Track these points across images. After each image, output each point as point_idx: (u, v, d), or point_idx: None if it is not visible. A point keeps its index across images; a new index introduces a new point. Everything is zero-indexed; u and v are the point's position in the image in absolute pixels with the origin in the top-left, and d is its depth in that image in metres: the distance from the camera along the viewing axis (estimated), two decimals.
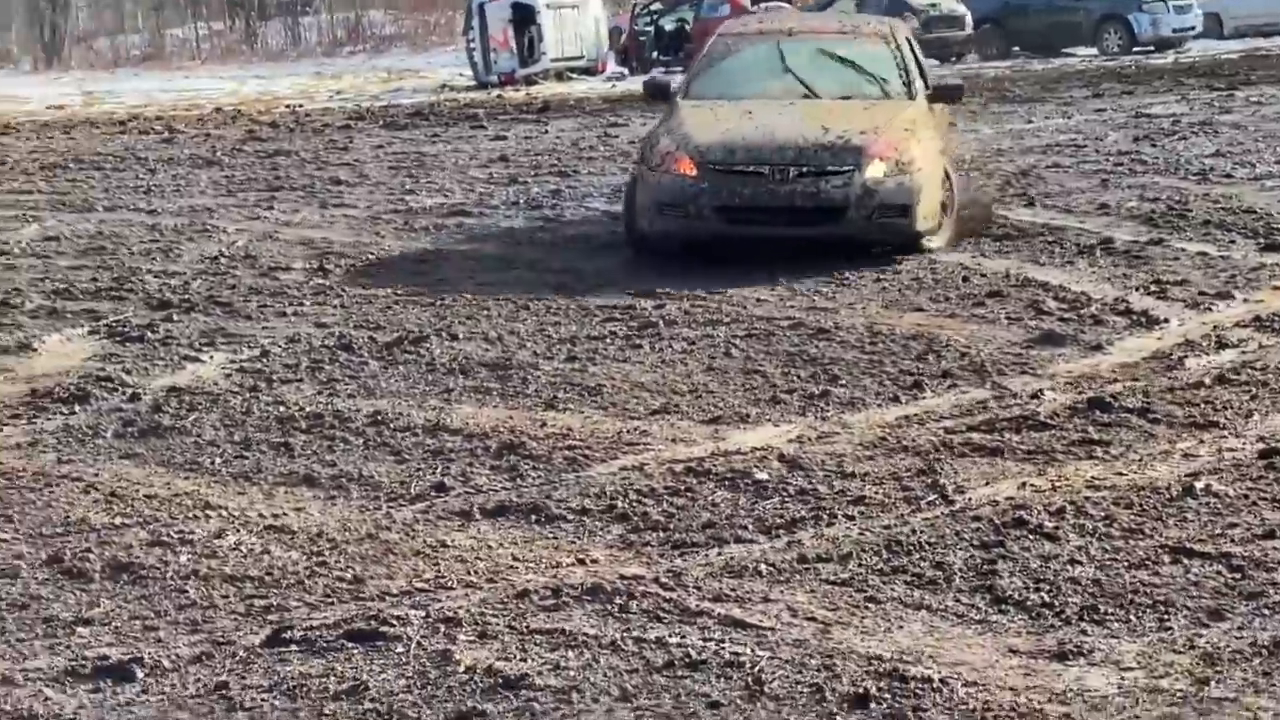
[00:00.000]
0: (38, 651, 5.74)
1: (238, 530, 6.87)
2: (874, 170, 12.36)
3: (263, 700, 5.28)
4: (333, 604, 6.09)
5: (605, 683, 5.31)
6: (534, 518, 6.99)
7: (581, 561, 6.46)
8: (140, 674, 5.49)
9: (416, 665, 5.49)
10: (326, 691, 5.32)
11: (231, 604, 6.12)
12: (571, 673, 5.39)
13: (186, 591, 6.24)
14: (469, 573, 6.36)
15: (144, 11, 60.89)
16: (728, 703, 5.12)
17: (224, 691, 5.36)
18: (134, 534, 6.87)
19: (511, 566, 6.43)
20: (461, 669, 5.43)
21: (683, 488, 7.29)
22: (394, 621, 5.83)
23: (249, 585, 6.29)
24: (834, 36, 14.61)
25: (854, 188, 12.31)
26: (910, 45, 14.46)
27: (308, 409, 8.69)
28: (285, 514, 7.08)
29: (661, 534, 6.76)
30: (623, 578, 6.20)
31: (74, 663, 5.61)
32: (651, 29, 42.84)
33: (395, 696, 5.27)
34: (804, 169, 12.38)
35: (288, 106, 31.44)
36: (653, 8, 44.02)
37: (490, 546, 6.67)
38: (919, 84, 13.80)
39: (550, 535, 6.81)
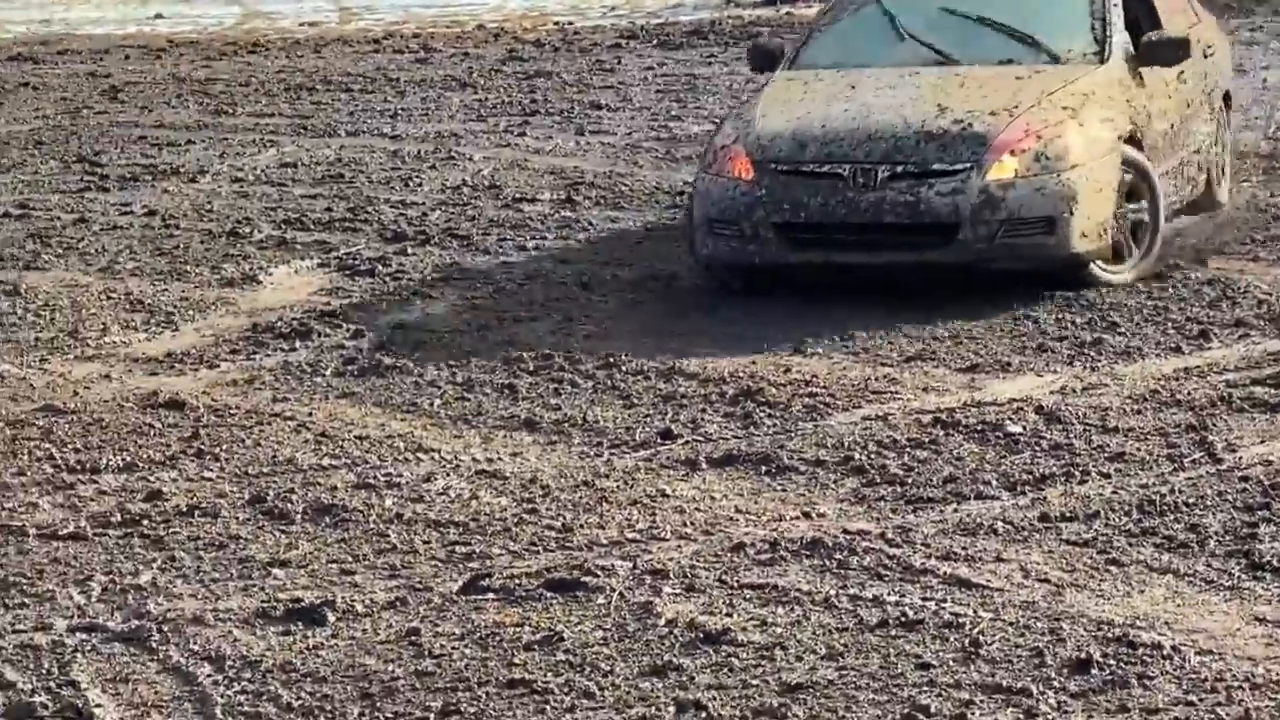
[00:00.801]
0: (231, 592, 6.18)
1: (448, 474, 7.26)
2: (1001, 168, 9.67)
3: (452, 648, 5.63)
4: (537, 553, 6.45)
5: (812, 641, 5.56)
6: (763, 469, 7.27)
7: (806, 515, 6.72)
8: (331, 618, 5.90)
9: (616, 618, 5.81)
10: (519, 641, 5.66)
11: (432, 549, 6.51)
12: (778, 629, 5.66)
13: (388, 536, 6.64)
14: (685, 524, 6.66)
15: None
16: (939, 664, 5.34)
17: (414, 638, 5.73)
18: (340, 476, 7.31)
19: (731, 519, 6.72)
20: (662, 622, 5.73)
21: (927, 439, 7.50)
22: (598, 572, 6.16)
23: (453, 531, 6.68)
24: None
25: (969, 194, 9.61)
26: None
27: (538, 350, 9.05)
28: (500, 459, 7.46)
29: (897, 488, 6.99)
30: (846, 533, 6.45)
31: (266, 604, 6.05)
32: None
33: (590, 649, 5.58)
34: (898, 168, 9.71)
35: (555, 24, 31.91)
36: None
37: (713, 498, 6.96)
38: (1118, 39, 10.67)
39: (778, 487, 7.08)
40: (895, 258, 9.78)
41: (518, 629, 5.75)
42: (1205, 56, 11.72)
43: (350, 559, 6.44)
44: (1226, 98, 12.42)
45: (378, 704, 5.28)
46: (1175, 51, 10.76)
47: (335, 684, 5.42)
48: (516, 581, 6.14)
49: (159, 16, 31.84)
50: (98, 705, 5.32)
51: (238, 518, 6.89)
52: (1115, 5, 10.78)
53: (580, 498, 6.97)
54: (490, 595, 6.05)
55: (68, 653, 5.71)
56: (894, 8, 11.18)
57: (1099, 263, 9.87)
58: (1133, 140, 10.23)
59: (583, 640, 5.65)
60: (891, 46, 10.95)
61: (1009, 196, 9.63)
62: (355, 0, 43.75)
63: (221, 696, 5.36)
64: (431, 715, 5.18)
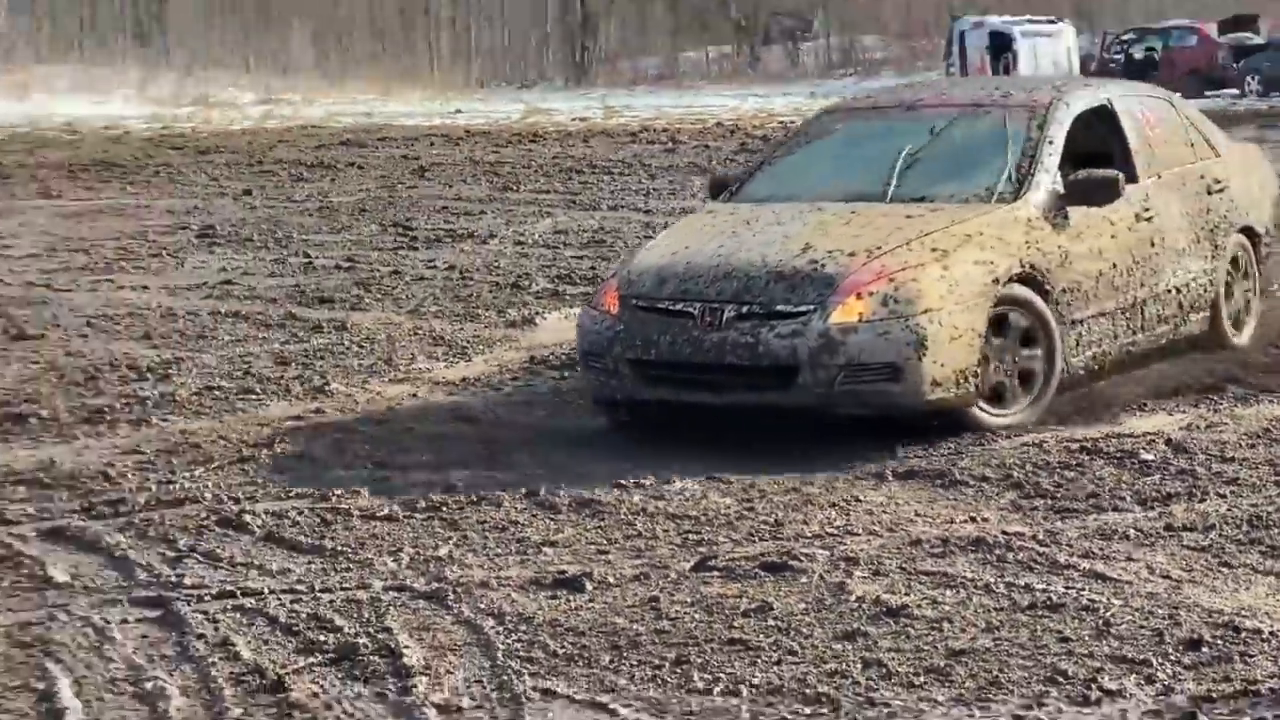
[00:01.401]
0: (511, 564, 6.40)
1: (683, 478, 7.42)
2: (846, 310, 7.77)
3: (685, 613, 5.79)
4: (754, 541, 6.60)
5: (974, 617, 5.65)
6: (938, 482, 7.35)
7: (972, 519, 6.79)
8: (589, 586, 6.08)
9: (816, 593, 5.93)
10: (738, 608, 5.81)
11: (670, 537, 6.68)
12: (946, 607, 5.75)
13: (634, 525, 6.82)
14: (874, 523, 6.78)
15: (662, 36, 62.66)
16: (1076, 639, 5.41)
17: (654, 604, 5.90)
18: (599, 476, 7.49)
19: (911, 520, 6.81)
20: (853, 598, 5.85)
21: (1074, 463, 7.52)
22: (802, 558, 6.29)
23: (686, 523, 6.84)
24: (965, 110, 9.28)
25: (808, 337, 7.75)
26: (1099, 119, 9.33)
27: None
28: (725, 467, 7.58)
29: (1048, 500, 7.03)
30: (1004, 534, 6.52)
31: (538, 574, 6.24)
32: (1121, 56, 42.18)
33: (794, 616, 5.72)
34: (744, 308, 7.93)
35: (780, 122, 32.17)
36: (1124, 36, 43.34)
37: (897, 503, 7.05)
38: (1040, 179, 8.59)
39: (950, 497, 7.15)
40: (738, 399, 7.97)
41: (737, 600, 5.89)
42: (1210, 192, 9.66)
43: (605, 541, 6.63)
44: (1250, 233, 10.04)
45: (624, 654, 5.44)
46: (1103, 191, 8.67)
47: (591, 638, 5.59)
48: (737, 563, 6.29)
49: (458, 111, 32.47)
50: (406, 647, 5.51)
51: (516, 507, 7.11)
52: (1050, 143, 8.75)
53: (790, 500, 7.10)
54: (715, 573, 6.20)
55: (383, 606, 5.93)
56: (841, 142, 9.50)
57: (981, 404, 8.02)
58: (1030, 282, 8.25)
59: (788, 610, 5.78)
60: (823, 181, 9.05)
61: (849, 341, 7.73)
62: (617, 100, 44.39)
63: (502, 644, 5.53)
64: (666, 664, 5.33)
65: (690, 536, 6.67)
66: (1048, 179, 8.63)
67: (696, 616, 5.75)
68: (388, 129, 27.97)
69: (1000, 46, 38.48)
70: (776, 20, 60.77)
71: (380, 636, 5.63)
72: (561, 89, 55.87)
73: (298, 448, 8.20)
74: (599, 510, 7.01)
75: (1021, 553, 6.29)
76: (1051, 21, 40.94)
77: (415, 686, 5.18)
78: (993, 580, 6.00)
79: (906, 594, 5.88)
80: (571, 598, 5.99)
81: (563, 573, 6.22)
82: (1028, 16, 41.21)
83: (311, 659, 5.48)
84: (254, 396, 9.31)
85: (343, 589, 6.13)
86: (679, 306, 8.05)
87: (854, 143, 9.44)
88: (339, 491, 7.41)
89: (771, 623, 5.66)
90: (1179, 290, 9.25)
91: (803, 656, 5.36)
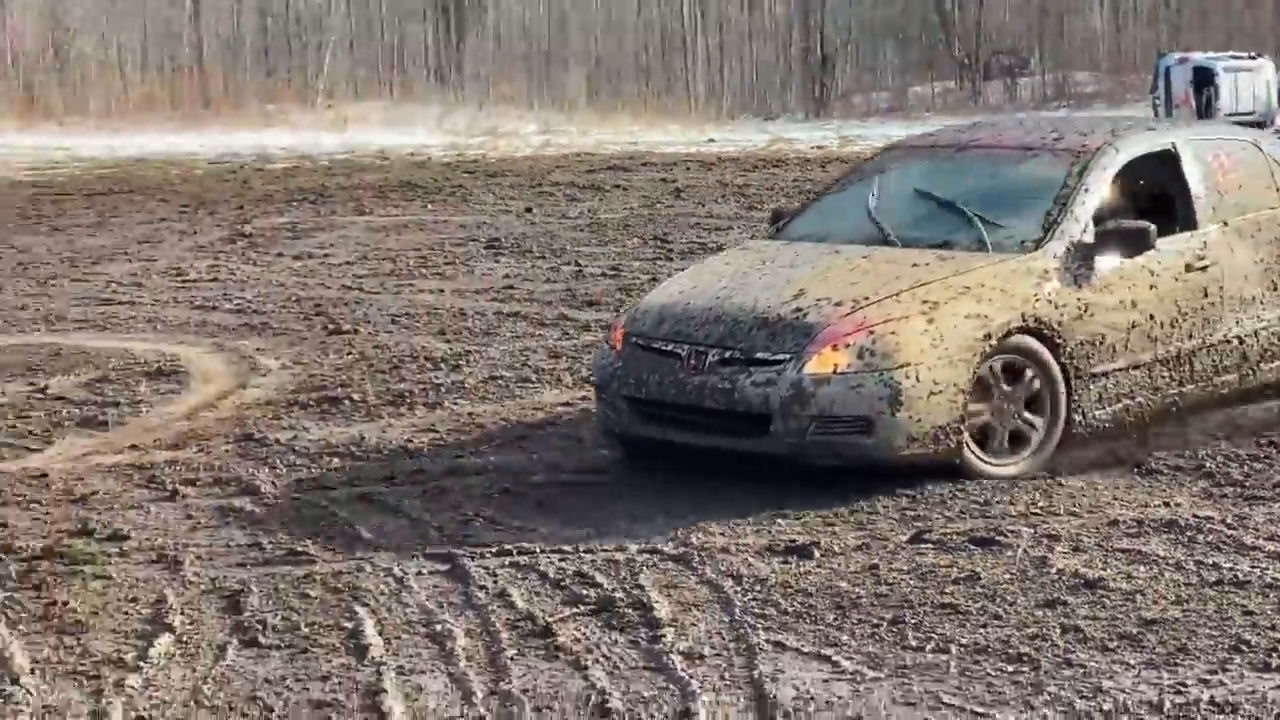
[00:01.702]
0: (748, 533, 6.42)
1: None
2: (821, 361, 6.85)
3: (902, 579, 5.77)
4: (965, 519, 6.53)
5: (1165, 590, 5.53)
6: (1135, 471, 7.18)
7: (1166, 504, 6.64)
8: (817, 554, 6.09)
9: (1020, 565, 5.86)
10: (949, 577, 5.77)
11: (890, 513, 6.65)
12: (1140, 581, 5.63)
13: (858, 502, 6.78)
14: (1074, 505, 6.66)
15: (892, 74, 62.11)
16: (1259, 612, 5.27)
17: (874, 571, 5.88)
18: None
19: (1109, 503, 6.68)
20: (1054, 570, 5.76)
21: (1263, 455, 7.32)
22: (1009, 534, 6.22)
23: (904, 501, 6.80)
24: (1013, 153, 8.12)
25: (780, 386, 6.87)
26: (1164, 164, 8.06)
27: None
28: None
29: (1238, 489, 6.84)
30: (1196, 517, 6.36)
31: (772, 542, 6.27)
32: None
33: (1000, 585, 5.66)
34: (727, 353, 7.05)
35: None
36: None
37: (1096, 488, 6.92)
38: (1067, 228, 7.43)
39: (1145, 484, 7.00)
40: (717, 442, 7.11)
41: (948, 569, 5.85)
42: None
43: (832, 516, 6.61)
44: None
45: (846, 613, 5.44)
46: (1133, 242, 7.47)
47: (817, 598, 5.60)
48: (949, 537, 6.24)
49: (711, 140, 32.54)
50: (656, 601, 5.59)
51: (750, 481, 7.11)
52: (1086, 190, 7.57)
53: (1001, 484, 7.00)
54: (929, 545, 6.16)
55: (637, 566, 6.02)
56: (888, 181, 8.34)
57: (978, 454, 7.03)
58: (1037, 335, 7.15)
59: (994, 579, 5.72)
60: (856, 222, 7.97)
61: (820, 392, 6.81)
62: (851, 130, 44.05)
63: (739, 602, 5.58)
64: (884, 624, 5.32)
65: (908, 513, 6.63)
66: (1076, 228, 7.43)
67: (911, 583, 5.72)
68: (649, 156, 28.19)
69: (1203, 81, 37.25)
70: (996, 58, 59.77)
71: (634, 592, 5.71)
72: (802, 120, 55.69)
73: (568, 430, 8.32)
74: (826, 487, 6.96)
75: (1211, 534, 6.14)
76: (1252, 57, 39.56)
77: (664, 636, 5.25)
78: (1183, 558, 5.86)
79: (1103, 568, 5.78)
80: (801, 563, 6.00)
81: (793, 541, 6.23)
82: (1230, 53, 39.89)
83: (575, 610, 5.58)
84: (531, 385, 9.47)
85: (602, 551, 6.21)
86: (670, 347, 7.20)
87: (899, 183, 8.30)
88: (603, 467, 7.51)
89: (979, 590, 5.61)
90: (1242, 340, 7.97)
91: (1007, 621, 5.30)
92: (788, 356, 6.90)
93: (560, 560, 6.11)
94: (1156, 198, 8.14)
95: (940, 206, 7.86)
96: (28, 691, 4.92)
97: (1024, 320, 7.12)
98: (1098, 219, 7.54)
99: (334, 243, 16.98)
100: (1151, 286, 7.60)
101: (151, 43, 52.91)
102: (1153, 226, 7.52)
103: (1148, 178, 8.15)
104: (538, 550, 6.23)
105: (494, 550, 6.26)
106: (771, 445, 6.92)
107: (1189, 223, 7.91)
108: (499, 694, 4.83)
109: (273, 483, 7.44)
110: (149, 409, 9.16)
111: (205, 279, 14.49)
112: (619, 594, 5.69)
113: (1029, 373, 7.16)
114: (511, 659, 5.11)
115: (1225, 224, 8.04)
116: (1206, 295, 7.84)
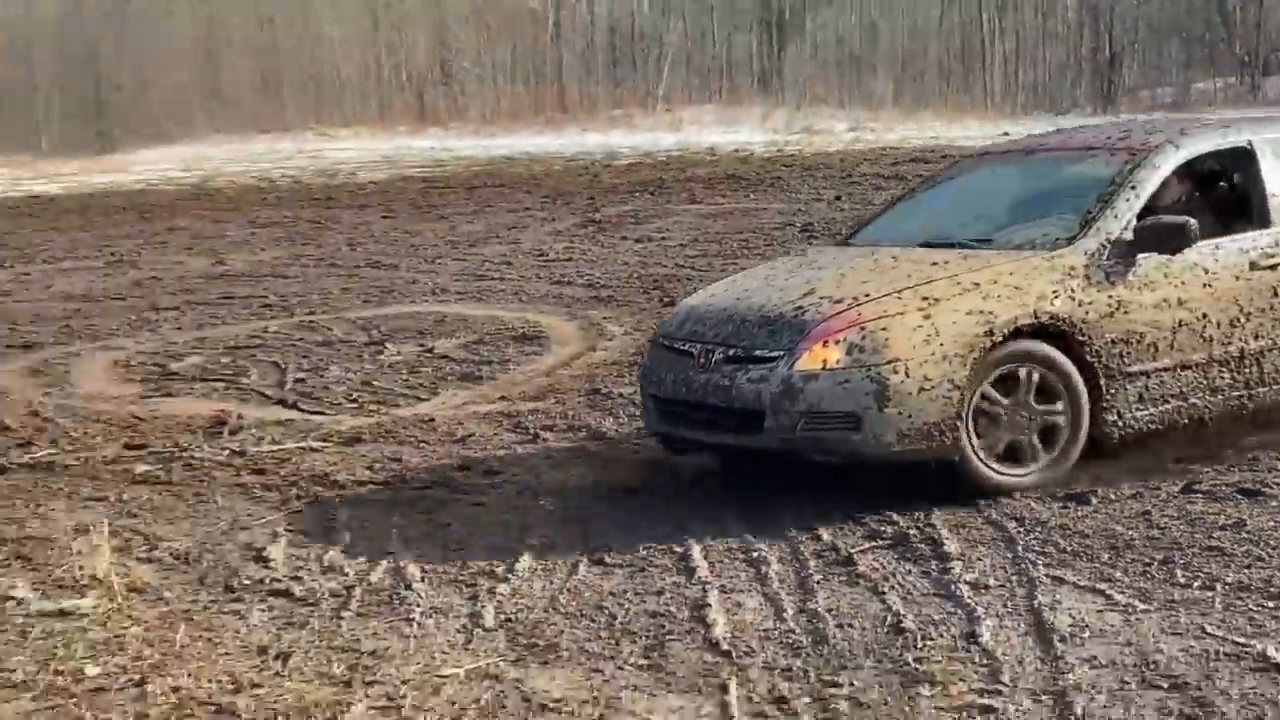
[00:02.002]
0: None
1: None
2: (811, 358, 6.05)
3: (1172, 525, 5.59)
4: (1233, 472, 6.28)
5: None
6: None
7: None
8: (1094, 500, 5.95)
9: None
10: (1216, 524, 5.57)
11: (1163, 466, 6.43)
12: None
13: (1136, 458, 6.49)
14: None
15: (1176, 69, 59.29)
16: None
17: (1147, 516, 5.72)
18: None
19: None
20: None
21: None
22: (1274, 486, 5.98)
23: (1172, 450, 6.55)
24: (1076, 154, 7.18)
25: (772, 383, 6.09)
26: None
27: None
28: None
29: None
30: None
31: (1052, 490, 6.12)
32: None
33: (1264, 531, 5.45)
34: (730, 351, 6.33)
35: None
36: None
37: None
38: (1104, 224, 6.47)
39: None
40: (722, 439, 6.39)
41: (1215, 516, 5.65)
42: None
43: (1109, 467, 6.38)
44: None
45: (1120, 553, 5.31)
46: (1173, 238, 6.43)
47: (1093, 539, 5.48)
48: (1218, 488, 6.02)
49: (1005, 134, 31.70)
50: (946, 538, 5.57)
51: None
52: (1133, 188, 6.59)
53: (1264, 440, 6.68)
54: (1199, 495, 5.96)
55: (929, 508, 5.96)
56: (958, 185, 7.60)
57: (992, 464, 6.09)
58: (1055, 334, 6.19)
59: (1259, 526, 5.49)
60: (912, 227, 7.18)
61: (809, 388, 6.00)
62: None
63: (1021, 541, 5.51)
64: (1154, 563, 5.18)
65: (1180, 466, 6.41)
66: (1116, 225, 6.44)
67: (1181, 528, 5.55)
68: (948, 148, 27.65)
69: None
70: (1275, 55, 56.48)
71: (927, 530, 5.69)
72: (1090, 115, 53.65)
73: None
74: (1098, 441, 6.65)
75: None
76: None
77: (952, 569, 5.23)
78: None
79: None
80: (1079, 509, 5.87)
81: (1072, 489, 6.09)
82: None
83: (874, 543, 5.60)
84: None
85: (895, 497, 6.13)
86: (685, 346, 6.53)
87: (967, 187, 7.52)
88: None
89: (1244, 535, 5.41)
90: None
91: (1269, 563, 5.10)
92: (781, 353, 6.12)
93: (862, 500, 6.10)
94: (1230, 196, 7.12)
95: (992, 208, 7.08)
96: (418, 596, 5.24)
97: (1035, 317, 6.11)
98: (1153, 216, 6.59)
99: (669, 227, 17.25)
100: (1206, 285, 6.55)
101: (520, 59, 54.58)
102: (1193, 222, 6.44)
103: (1222, 176, 7.19)
104: (844, 498, 6.18)
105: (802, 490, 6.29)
106: (765, 441, 6.14)
107: (1263, 220, 6.84)
108: (806, 612, 4.90)
109: (615, 430, 7.66)
110: (515, 367, 9.54)
111: (561, 258, 14.94)
112: (913, 531, 5.67)
113: (1036, 375, 6.15)
114: (817, 584, 5.17)
115: None
116: (1277, 294, 6.72)
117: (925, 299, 6.10)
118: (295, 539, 6.00)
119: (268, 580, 5.45)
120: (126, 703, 4.29)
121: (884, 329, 6.00)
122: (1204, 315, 6.53)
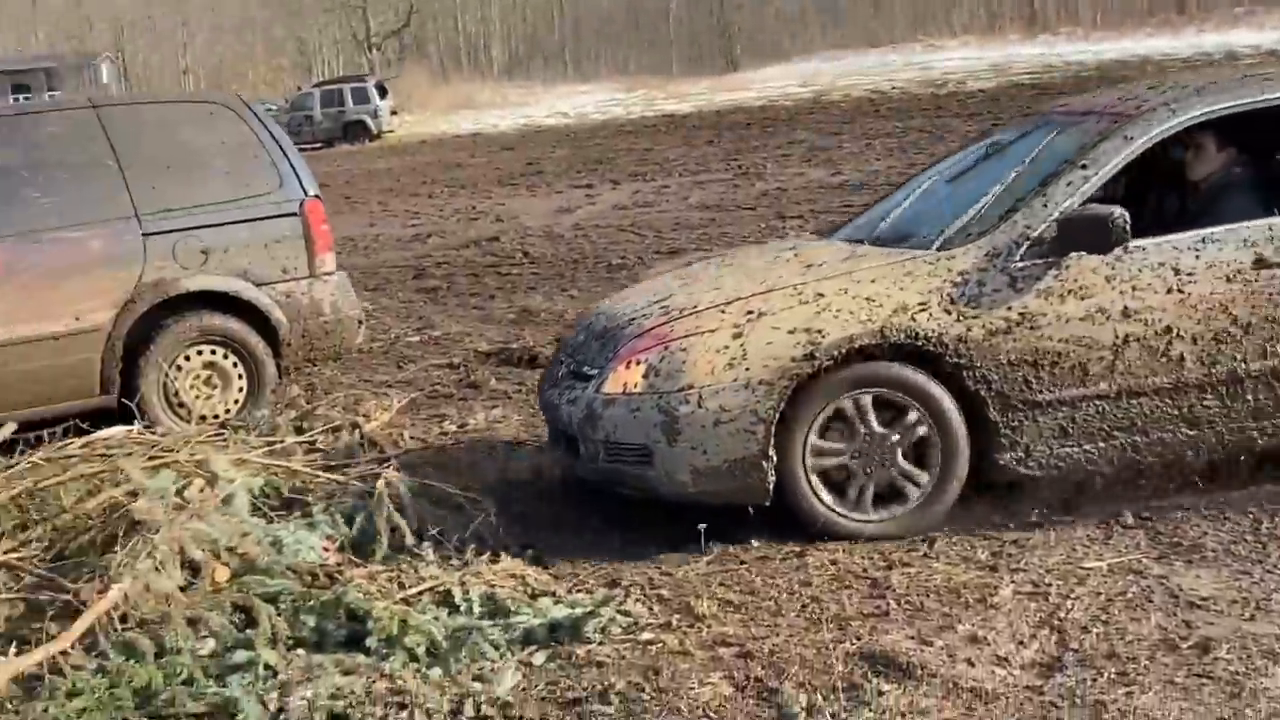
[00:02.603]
0: None
1: None
2: (615, 380, 4.98)
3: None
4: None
5: None
6: None
7: None
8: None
9: None
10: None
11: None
12: None
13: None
14: None
15: None
16: None
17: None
18: None
19: None
20: None
21: None
22: None
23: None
24: (1078, 119, 5.37)
25: (579, 406, 5.07)
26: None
27: None
28: None
29: None
30: None
31: None
32: None
33: None
34: (570, 366, 5.37)
35: None
36: None
37: None
38: (1025, 218, 4.88)
39: None
40: (562, 458, 5.42)
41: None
42: None
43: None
44: None
45: None
46: (1094, 236, 4.78)
47: None
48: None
49: None
50: None
51: None
52: (1083, 167, 4.96)
53: None
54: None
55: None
56: (956, 162, 5.89)
57: (830, 504, 4.85)
58: (919, 357, 4.81)
59: None
60: (882, 215, 5.72)
61: (606, 415, 4.94)
62: None
63: None
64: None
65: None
66: (1040, 216, 4.88)
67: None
68: None
69: None
70: None
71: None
72: None
73: None
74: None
75: None
76: None
77: None
78: None
79: None
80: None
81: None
82: None
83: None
84: None
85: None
86: (559, 355, 5.63)
87: (960, 164, 5.83)
88: None
89: None
90: None
91: None
92: (598, 372, 5.12)
93: None
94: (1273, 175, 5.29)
95: (980, 188, 5.28)
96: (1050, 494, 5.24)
97: (883, 336, 4.80)
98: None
99: None
100: (1172, 290, 4.90)
101: None
102: (1119, 212, 4.81)
103: (1265, 146, 5.34)
104: None
105: None
106: (582, 468, 5.19)
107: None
108: None
109: None
110: None
111: None
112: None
113: (904, 408, 4.86)
114: None
115: None
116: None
117: (749, 313, 4.91)
118: None
119: None
120: (790, 571, 4.65)
121: (684, 350, 4.89)
122: (1168, 329, 4.90)
